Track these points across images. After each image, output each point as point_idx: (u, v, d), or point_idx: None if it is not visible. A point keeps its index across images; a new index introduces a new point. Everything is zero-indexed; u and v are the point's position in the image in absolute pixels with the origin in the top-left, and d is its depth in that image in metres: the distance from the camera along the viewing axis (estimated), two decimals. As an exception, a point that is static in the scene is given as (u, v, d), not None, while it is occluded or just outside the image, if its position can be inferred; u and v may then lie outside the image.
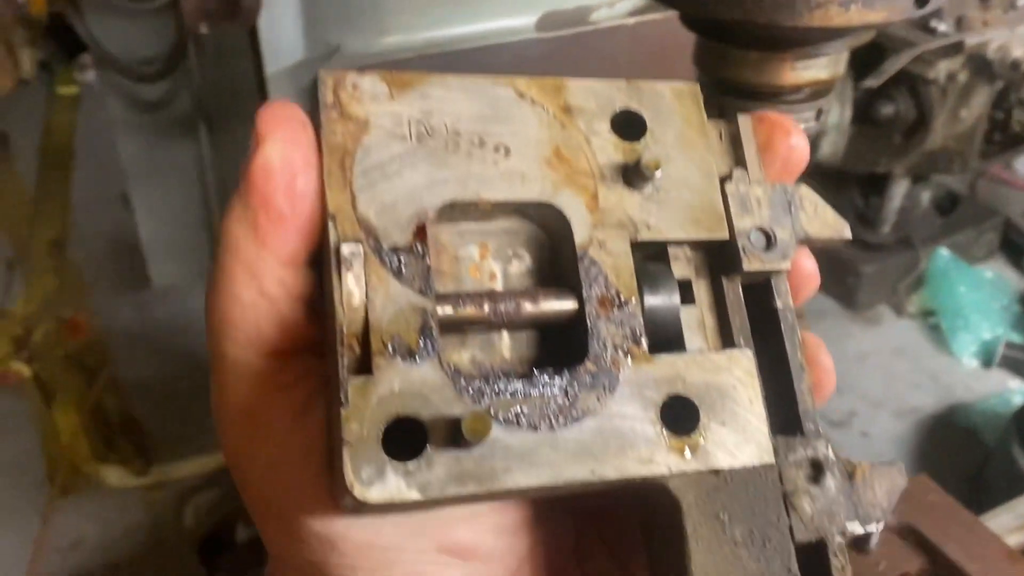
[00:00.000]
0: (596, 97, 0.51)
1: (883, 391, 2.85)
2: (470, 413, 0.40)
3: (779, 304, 0.51)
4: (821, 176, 3.19)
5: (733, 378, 0.47)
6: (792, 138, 0.53)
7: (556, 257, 0.50)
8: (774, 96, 0.94)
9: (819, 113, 0.91)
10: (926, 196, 3.18)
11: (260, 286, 0.45)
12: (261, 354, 0.45)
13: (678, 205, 0.50)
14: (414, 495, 0.40)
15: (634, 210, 0.49)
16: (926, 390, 2.86)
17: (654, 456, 0.44)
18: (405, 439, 0.41)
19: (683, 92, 0.53)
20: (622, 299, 0.47)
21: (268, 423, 0.45)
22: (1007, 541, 1.36)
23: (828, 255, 3.10)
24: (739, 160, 0.53)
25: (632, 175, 0.49)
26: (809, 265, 0.54)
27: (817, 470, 0.48)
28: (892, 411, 2.79)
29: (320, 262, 0.46)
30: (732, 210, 0.50)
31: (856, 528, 0.48)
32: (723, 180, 0.51)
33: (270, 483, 0.45)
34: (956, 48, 2.69)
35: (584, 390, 0.45)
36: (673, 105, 0.52)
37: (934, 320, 3.08)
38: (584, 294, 0.47)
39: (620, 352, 0.46)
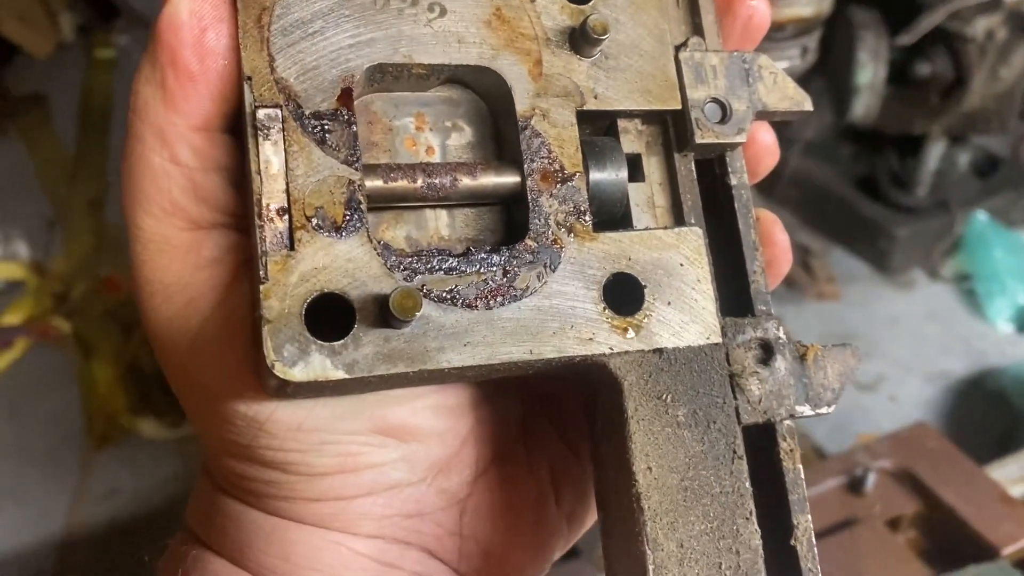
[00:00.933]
0: None
1: (913, 355, 2.81)
2: (399, 289, 0.39)
3: (733, 180, 0.50)
4: (855, 137, 3.14)
5: (681, 256, 0.46)
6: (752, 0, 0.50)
7: (498, 129, 0.48)
8: (760, 35, 0.94)
9: (804, 51, 0.91)
10: (964, 158, 3.11)
11: (171, 152, 0.42)
12: (178, 227, 0.43)
13: (628, 73, 0.47)
14: (339, 374, 0.39)
15: (581, 77, 0.46)
16: (957, 355, 2.82)
17: (595, 335, 0.43)
18: (331, 318, 0.40)
19: None
20: (566, 173, 0.45)
21: (190, 300, 0.43)
22: (1012, 490, 1.36)
23: (862, 217, 3.05)
24: (696, 27, 0.50)
25: (579, 39, 0.46)
26: (767, 138, 0.52)
27: (767, 351, 0.47)
28: (922, 375, 2.75)
29: (238, 128, 0.43)
30: (686, 79, 0.48)
31: (806, 411, 0.47)
32: (678, 48, 0.49)
33: (193, 362, 0.44)
34: (995, 4, 2.62)
35: (524, 268, 0.43)
36: None
37: (969, 285, 3.02)
38: (526, 167, 0.45)
39: (563, 229, 0.44)
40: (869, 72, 2.77)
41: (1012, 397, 2.59)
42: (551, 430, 0.53)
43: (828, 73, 3.00)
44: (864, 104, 2.83)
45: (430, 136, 0.47)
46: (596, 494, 0.48)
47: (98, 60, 3.33)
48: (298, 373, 0.38)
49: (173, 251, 0.43)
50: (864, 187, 3.14)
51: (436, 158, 0.46)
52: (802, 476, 0.46)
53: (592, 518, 0.54)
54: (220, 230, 0.44)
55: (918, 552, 1.33)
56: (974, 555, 1.27)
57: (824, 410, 0.47)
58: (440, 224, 0.46)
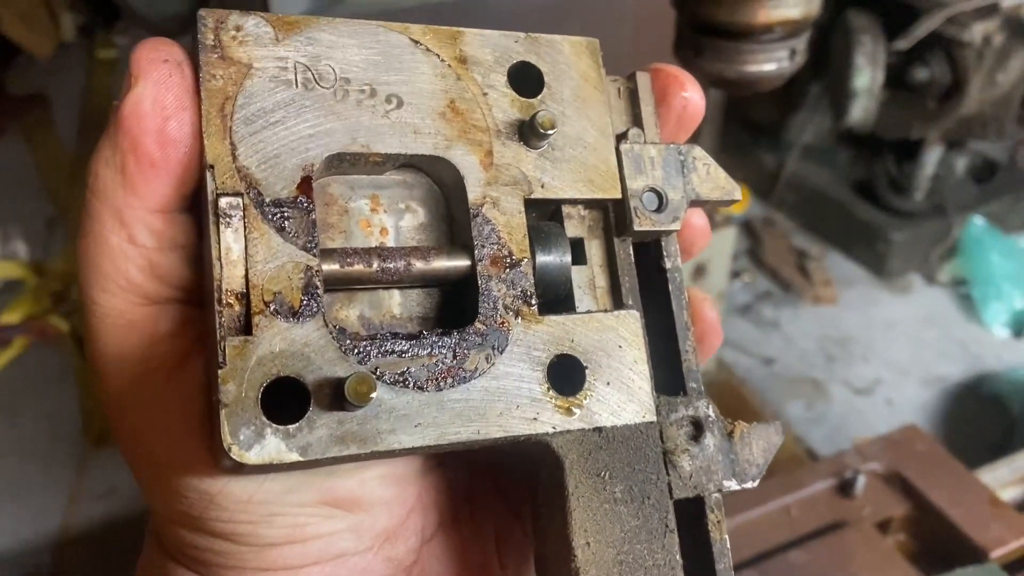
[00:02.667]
0: (493, 48, 0.50)
1: (910, 359, 2.82)
2: (354, 374, 0.40)
3: (668, 264, 0.52)
4: (852, 141, 3.14)
5: (620, 338, 0.48)
6: (686, 91, 0.53)
7: (450, 211, 0.50)
8: (746, 35, 0.95)
9: (792, 53, 0.92)
10: (961, 163, 3.12)
11: (129, 233, 0.43)
12: (134, 303, 0.44)
13: (573, 163, 0.50)
14: (294, 457, 0.40)
15: (529, 167, 0.49)
16: (954, 359, 2.82)
17: (539, 415, 0.45)
18: (287, 400, 0.40)
19: (581, 46, 0.52)
20: (514, 258, 0.47)
21: (144, 374, 0.44)
22: (1003, 494, 1.36)
23: (859, 221, 3.07)
24: (636, 118, 0.53)
25: (528, 133, 0.48)
26: (700, 222, 0.55)
27: (697, 429, 0.49)
28: (918, 379, 2.76)
29: (198, 208, 0.45)
30: (626, 170, 0.50)
31: (732, 485, 0.49)
32: (619, 138, 0.51)
33: (147, 435, 0.44)
34: (991, 9, 2.63)
35: (473, 350, 0.45)
36: (571, 59, 0.51)
37: (965, 289, 3.03)
38: (476, 253, 0.46)
39: (510, 312, 0.46)
40: (867, 76, 2.78)
41: (1008, 401, 2.60)
42: (496, 494, 0.55)
43: (826, 77, 3.01)
44: (862, 108, 2.83)
45: (384, 217, 0.49)
46: (536, 563, 0.50)
47: (99, 60, 3.34)
48: (253, 456, 0.39)
49: (129, 326, 0.44)
50: (861, 191, 3.15)
51: (389, 239, 0.48)
52: (728, 547, 0.49)
53: None
54: (175, 305, 0.45)
55: (907, 555, 1.33)
56: (963, 558, 1.28)
57: (749, 484, 0.50)
58: (392, 303, 0.48)
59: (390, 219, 0.49)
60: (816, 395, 2.66)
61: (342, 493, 0.46)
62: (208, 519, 0.43)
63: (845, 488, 1.35)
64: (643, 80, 0.53)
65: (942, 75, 2.74)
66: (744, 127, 3.37)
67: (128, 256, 0.43)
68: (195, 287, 0.44)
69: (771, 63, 0.97)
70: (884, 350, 2.84)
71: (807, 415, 2.59)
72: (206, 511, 0.43)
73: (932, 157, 2.99)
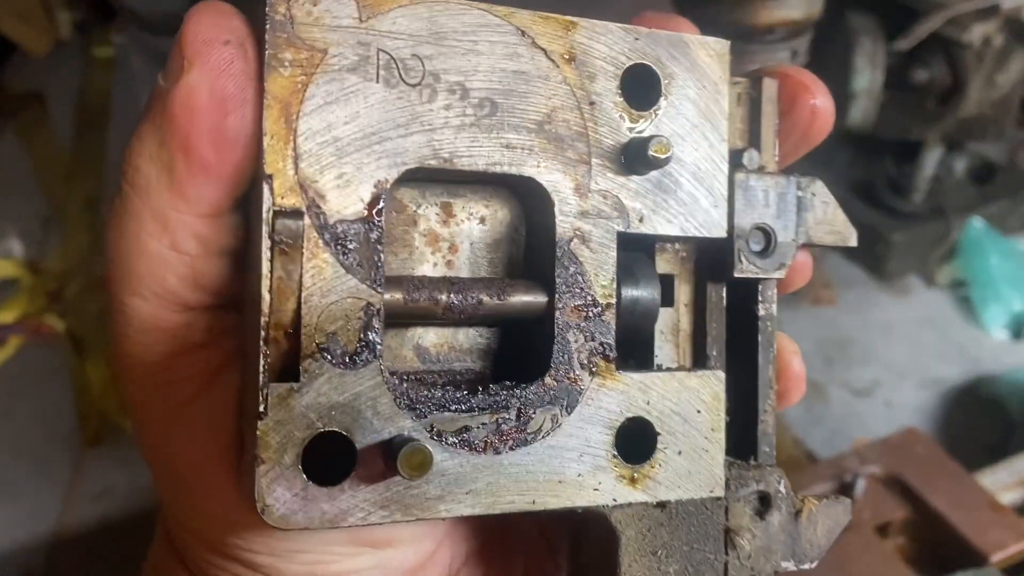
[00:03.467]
0: (608, 45, 0.43)
1: (909, 361, 2.81)
2: (410, 446, 0.36)
3: (761, 311, 0.47)
4: (852, 142, 3.13)
5: (700, 402, 0.44)
6: (816, 98, 0.47)
7: (530, 234, 0.45)
8: (748, 35, 0.94)
9: (794, 54, 0.91)
10: (961, 165, 3.11)
11: (172, 240, 0.38)
12: (167, 310, 0.40)
13: (679, 195, 0.44)
14: (330, 524, 0.36)
15: (629, 197, 0.43)
16: (953, 361, 2.82)
17: (601, 484, 0.41)
18: (331, 454, 0.37)
19: (710, 49, 0.45)
20: (599, 306, 0.42)
21: (173, 384, 0.40)
22: (1002, 497, 1.35)
23: (858, 223, 3.07)
24: (754, 135, 0.47)
25: (635, 157, 0.42)
26: (803, 259, 0.50)
27: (764, 505, 0.46)
28: (917, 381, 2.75)
29: (247, 206, 0.39)
30: (736, 203, 0.45)
31: (790, 567, 0.46)
32: (733, 157, 0.46)
33: (171, 450, 0.41)
34: (992, 11, 2.62)
35: (540, 409, 0.41)
36: (696, 64, 0.45)
37: (964, 291, 3.02)
38: (557, 298, 0.42)
39: (585, 369, 0.42)
40: (866, 78, 2.77)
41: (1006, 404, 2.59)
42: (531, 525, 0.51)
43: (825, 78, 2.99)
44: (861, 109, 2.82)
45: (455, 231, 0.43)
46: None
47: (96, 58, 3.33)
48: (288, 521, 0.36)
49: (160, 332, 0.40)
50: (861, 193, 3.14)
51: (459, 256, 0.43)
52: None
53: None
54: (213, 311, 0.40)
55: (907, 558, 1.33)
56: (962, 561, 1.27)
57: (806, 566, 0.47)
58: (454, 334, 0.43)
59: (462, 232, 0.43)
60: (815, 397, 2.65)
61: (374, 533, 0.43)
62: (227, 545, 0.41)
63: (845, 491, 1.35)
64: (769, 89, 0.47)
65: (942, 76, 2.73)
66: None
67: (168, 263, 0.38)
68: (237, 291, 0.40)
69: (772, 64, 0.97)
70: (883, 352, 2.83)
71: (806, 417, 2.58)
72: (225, 536, 0.41)
73: (931, 158, 2.98)
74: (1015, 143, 3.28)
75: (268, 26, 0.36)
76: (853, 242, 0.50)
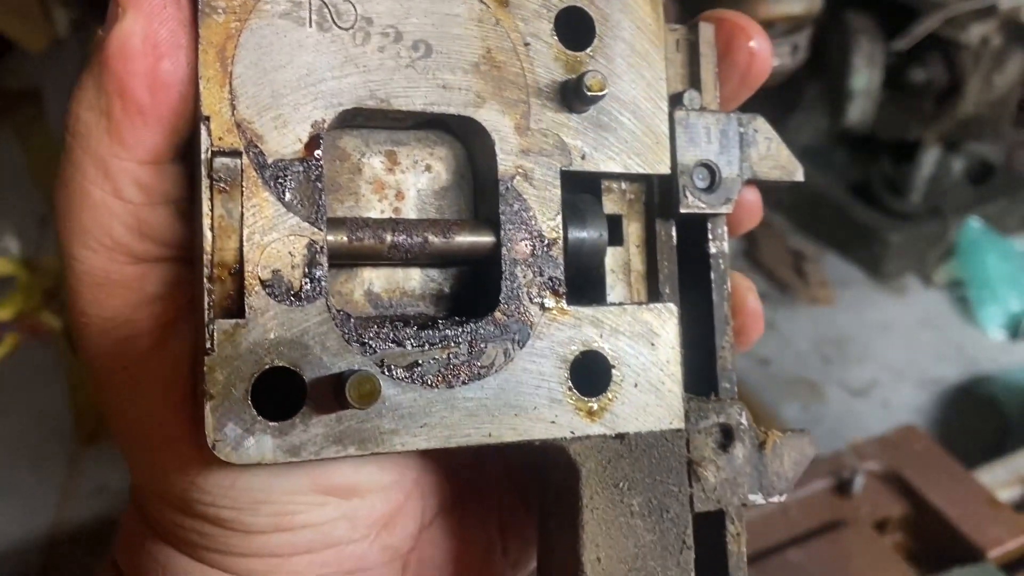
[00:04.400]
0: None
1: (906, 361, 2.81)
2: (357, 374, 0.36)
3: (712, 248, 0.48)
4: (850, 142, 3.14)
5: (653, 335, 0.44)
6: (753, 40, 0.48)
7: (476, 179, 0.45)
8: (749, 30, 0.94)
9: (795, 48, 0.91)
10: (958, 165, 3.11)
11: (114, 187, 0.38)
12: (118, 262, 0.40)
13: (620, 131, 0.44)
14: (283, 458, 0.36)
15: (569, 135, 0.43)
16: (950, 361, 2.82)
17: (557, 417, 0.41)
18: (280, 389, 0.37)
19: (650, 9, 0.46)
20: (545, 240, 0.42)
21: (128, 337, 0.40)
22: (1000, 494, 1.36)
23: (856, 223, 3.05)
24: (694, 77, 0.48)
25: (572, 95, 0.43)
26: (751, 198, 0.50)
27: (727, 437, 0.46)
28: (914, 381, 2.75)
29: (192, 157, 0.39)
30: (678, 140, 0.45)
31: (758, 499, 0.46)
32: (673, 100, 0.46)
33: (128, 406, 0.41)
34: (989, 11, 2.62)
35: (491, 343, 0.41)
36: (628, 5, 0.45)
37: (962, 291, 3.03)
38: (503, 234, 0.42)
39: (535, 303, 0.42)
40: (864, 77, 2.77)
41: (1003, 404, 2.59)
42: (502, 475, 0.51)
43: (823, 78, 3.00)
44: (859, 109, 2.83)
45: (401, 178, 0.43)
46: (539, 565, 0.47)
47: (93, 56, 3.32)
48: (239, 456, 0.36)
49: (112, 285, 0.40)
50: (858, 192, 3.14)
51: (406, 203, 0.43)
52: (744, 560, 0.46)
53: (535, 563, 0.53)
54: (165, 264, 0.40)
55: (905, 554, 1.33)
56: (960, 557, 1.27)
57: (776, 499, 0.47)
58: (404, 278, 0.43)
59: (408, 180, 0.43)
60: (812, 396, 2.66)
61: (337, 480, 0.43)
62: (190, 500, 0.41)
63: (843, 488, 1.35)
64: (706, 32, 0.48)
65: (939, 76, 2.74)
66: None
67: (113, 212, 0.39)
68: (186, 244, 0.40)
69: (773, 59, 0.97)
70: (880, 352, 2.84)
71: (803, 416, 2.58)
72: (187, 492, 0.40)
73: (929, 158, 2.99)
74: (1012, 143, 3.29)
75: None
76: (799, 176, 0.49)
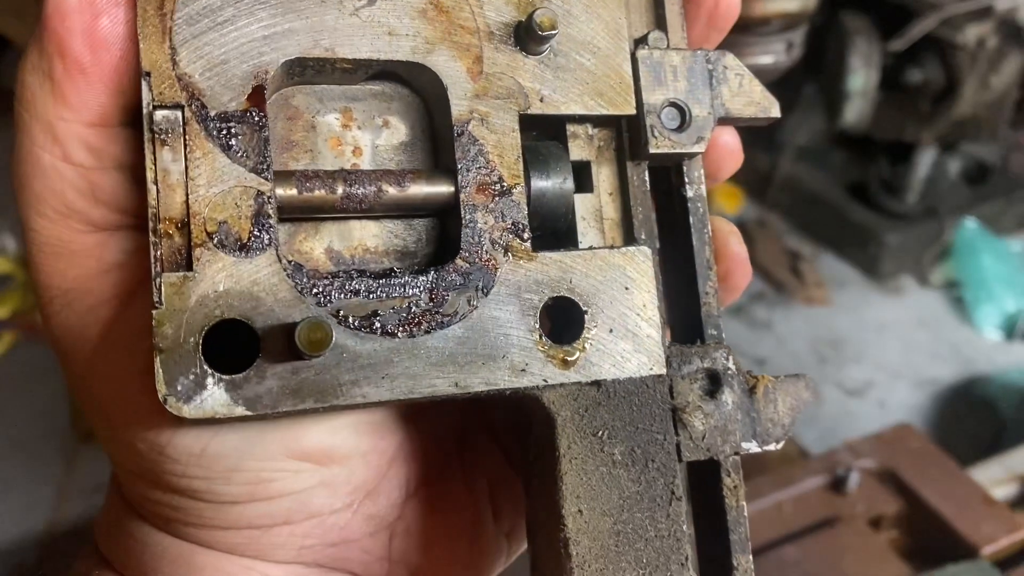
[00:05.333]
0: None
1: (902, 361, 2.82)
2: (306, 320, 0.35)
3: (689, 192, 0.46)
4: (846, 142, 3.15)
5: (627, 278, 0.42)
6: None
7: (434, 128, 0.44)
8: (744, 28, 0.95)
9: (789, 46, 0.91)
10: (954, 166, 3.12)
11: (63, 150, 0.38)
12: (77, 230, 0.39)
13: (580, 73, 0.43)
14: (239, 410, 0.35)
15: (526, 77, 0.42)
16: (946, 361, 2.83)
17: (528, 365, 0.40)
18: (234, 346, 0.36)
19: None
20: (505, 185, 0.41)
21: (90, 307, 0.39)
22: (995, 492, 1.36)
23: (852, 223, 3.06)
24: (659, 20, 0.46)
25: (525, 35, 0.42)
26: (730, 140, 0.48)
27: (714, 383, 0.44)
28: (910, 381, 2.76)
29: (139, 121, 0.39)
30: (643, 81, 0.44)
31: (752, 447, 0.44)
32: (637, 43, 0.44)
33: (93, 375, 0.40)
34: (985, 12, 2.63)
35: (453, 291, 0.39)
36: None
37: (957, 291, 3.03)
38: (460, 179, 0.41)
39: (498, 247, 0.40)
40: (861, 78, 2.78)
41: (999, 404, 2.60)
42: (490, 442, 0.50)
43: (820, 78, 3.01)
44: (856, 110, 2.84)
45: (358, 134, 0.42)
46: (527, 526, 0.45)
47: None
48: (192, 410, 0.35)
49: (71, 255, 0.39)
50: (855, 193, 3.15)
51: (364, 160, 0.42)
52: (745, 514, 0.44)
53: None
54: (125, 231, 0.40)
55: (899, 551, 1.33)
56: (954, 554, 1.28)
57: (772, 446, 0.45)
58: (366, 234, 0.42)
59: (365, 136, 0.42)
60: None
61: (311, 445, 0.41)
62: (161, 472, 0.39)
63: (838, 485, 1.35)
64: None
65: (936, 77, 2.74)
66: (738, 128, 3.37)
67: (64, 176, 0.38)
68: (145, 212, 0.39)
69: (768, 56, 0.97)
70: (876, 352, 2.84)
71: (799, 416, 2.58)
72: (158, 464, 0.39)
73: (925, 159, 2.99)
74: (1009, 144, 3.30)
75: None
76: (775, 112, 0.47)
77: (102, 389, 0.40)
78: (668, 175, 0.47)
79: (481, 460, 0.49)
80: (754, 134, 3.53)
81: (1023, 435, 2.28)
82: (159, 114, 0.36)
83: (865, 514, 1.32)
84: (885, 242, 3.02)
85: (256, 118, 0.38)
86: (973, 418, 2.62)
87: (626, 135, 0.45)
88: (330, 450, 0.42)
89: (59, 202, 0.38)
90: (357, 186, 0.40)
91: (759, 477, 1.41)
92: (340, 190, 0.39)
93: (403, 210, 0.42)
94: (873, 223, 3.05)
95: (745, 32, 0.91)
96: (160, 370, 0.35)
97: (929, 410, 2.68)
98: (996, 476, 1.42)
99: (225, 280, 0.36)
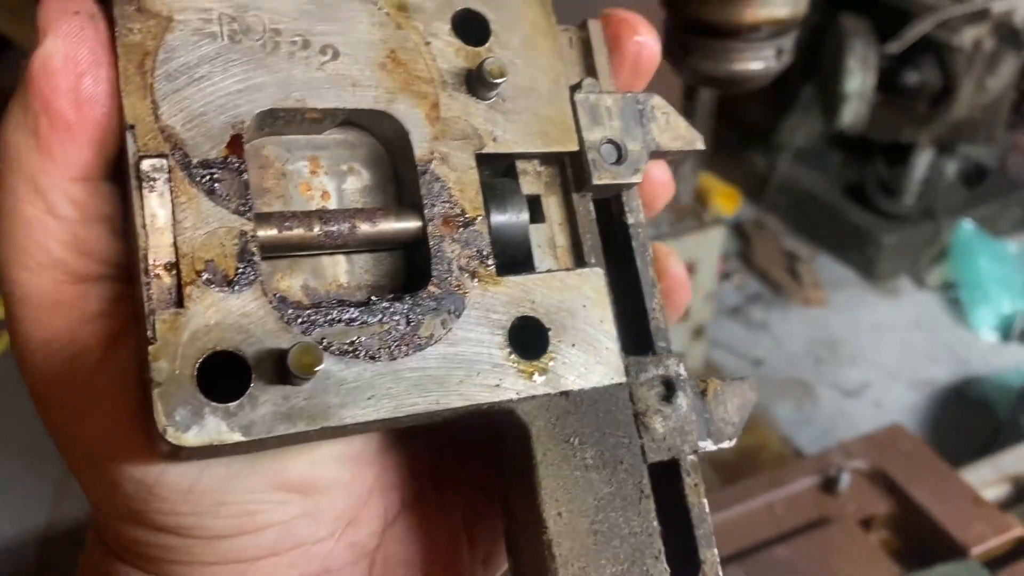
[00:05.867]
0: None
1: (899, 362, 2.83)
2: (297, 344, 0.37)
3: (630, 219, 0.50)
4: (844, 144, 3.16)
5: (584, 297, 0.46)
6: (639, 35, 0.50)
7: (396, 172, 0.47)
8: (734, 34, 0.95)
9: (779, 52, 0.92)
10: (951, 168, 3.13)
11: (47, 204, 0.39)
12: (58, 281, 0.40)
13: (526, 115, 0.47)
14: (236, 437, 0.37)
15: (479, 121, 0.46)
16: (942, 362, 2.84)
17: (502, 381, 0.42)
18: (226, 378, 0.37)
19: (540, 10, 0.49)
20: (467, 217, 0.44)
21: (74, 356, 0.40)
22: (986, 493, 1.37)
23: (849, 224, 3.07)
24: (590, 69, 0.51)
25: (476, 83, 0.46)
26: (662, 175, 0.52)
27: (669, 388, 0.47)
28: (907, 382, 2.77)
29: (122, 175, 0.41)
30: (581, 121, 0.48)
31: (708, 445, 0.47)
32: (573, 89, 0.49)
33: (78, 421, 0.40)
34: (982, 15, 2.64)
35: (428, 315, 0.42)
36: (519, 7, 0.49)
37: (954, 293, 3.05)
38: (426, 212, 0.44)
39: (466, 274, 0.43)
40: (858, 80, 2.79)
41: (994, 405, 2.61)
42: (462, 471, 0.52)
43: (818, 80, 3.02)
44: (853, 111, 2.85)
45: (325, 180, 0.45)
46: (506, 540, 0.47)
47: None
48: (191, 438, 0.36)
49: (55, 306, 0.40)
50: (852, 194, 3.16)
51: (332, 203, 0.45)
52: (707, 511, 0.46)
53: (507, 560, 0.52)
54: (105, 282, 0.41)
55: (890, 551, 1.34)
56: (944, 554, 1.28)
57: (725, 444, 0.48)
58: (339, 271, 0.45)
59: (332, 182, 0.45)
60: (804, 397, 2.67)
61: (294, 476, 0.43)
62: (149, 512, 0.40)
63: (829, 485, 1.36)
64: (595, 28, 0.51)
65: (933, 79, 2.76)
66: (736, 129, 3.38)
67: (48, 229, 0.39)
68: (123, 261, 0.41)
69: (758, 62, 0.98)
70: (873, 353, 2.85)
71: (795, 417, 2.60)
72: (145, 503, 0.40)
73: (922, 161, 3.01)
74: (1005, 146, 3.31)
75: (114, 0, 0.40)
76: (700, 145, 0.52)
77: (88, 434, 0.40)
78: (609, 206, 0.51)
79: (454, 489, 0.51)
80: (752, 136, 3.54)
81: (1019, 436, 2.29)
82: (145, 163, 0.39)
83: (856, 514, 1.33)
84: (882, 243, 3.04)
85: (236, 164, 0.40)
86: (969, 419, 2.63)
87: (570, 170, 0.49)
88: (313, 481, 0.44)
89: (43, 253, 0.40)
90: (332, 223, 0.43)
91: (751, 478, 1.42)
92: (317, 228, 0.42)
93: (375, 245, 0.45)
94: (870, 224, 3.06)
95: (735, 38, 0.92)
96: (158, 403, 0.36)
97: (925, 411, 2.69)
98: (987, 477, 1.42)
99: (215, 315, 0.38)
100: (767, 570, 1.26)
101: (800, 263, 3.10)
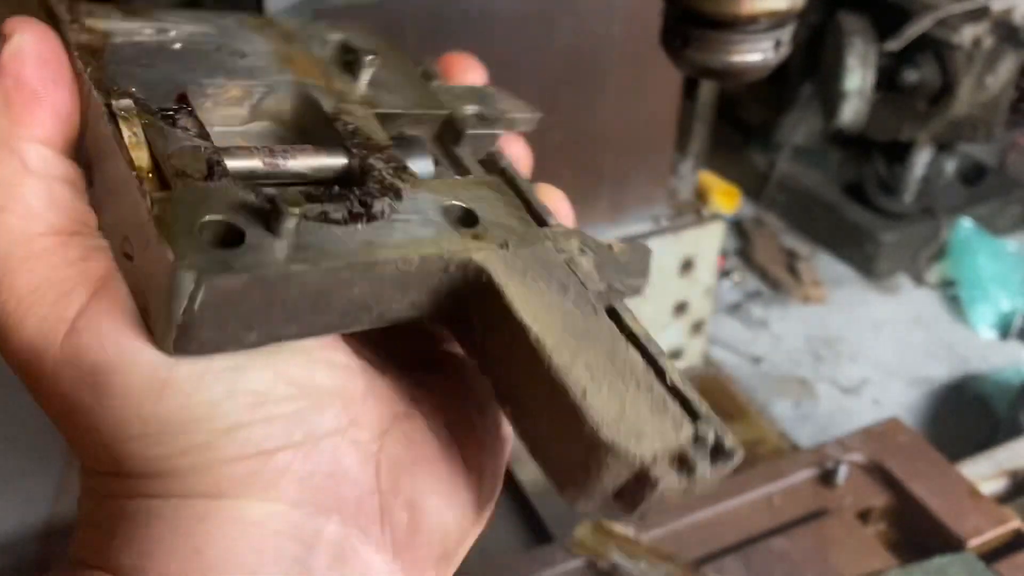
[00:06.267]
0: (310, 30, 0.59)
1: (897, 360, 2.83)
2: (280, 191, 0.43)
3: (504, 163, 0.60)
4: (843, 142, 3.16)
5: (496, 195, 0.55)
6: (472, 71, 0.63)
7: (308, 133, 0.56)
8: (732, 26, 0.96)
9: (777, 44, 0.92)
10: (951, 165, 3.14)
11: (21, 161, 0.45)
12: (38, 232, 0.44)
13: (399, 92, 0.58)
14: (264, 269, 0.41)
15: (363, 92, 0.57)
16: (941, 360, 2.84)
17: (452, 242, 0.49)
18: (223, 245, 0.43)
19: (389, 46, 0.62)
20: (383, 145, 0.53)
21: (63, 294, 0.43)
22: (984, 487, 1.37)
23: (849, 222, 3.07)
24: (429, 72, 0.63)
25: (353, 66, 0.57)
26: (520, 150, 0.63)
27: (586, 244, 0.54)
28: (905, 380, 2.77)
29: (87, 161, 0.48)
30: (443, 99, 0.60)
31: (627, 288, 0.55)
32: (425, 81, 0.61)
33: (76, 348, 0.42)
34: (981, 13, 2.65)
35: (376, 200, 0.48)
36: (381, 47, 0.61)
37: (953, 291, 3.05)
38: (347, 143, 0.52)
39: (396, 179, 0.51)
40: (858, 77, 2.80)
41: (993, 403, 2.62)
42: (449, 374, 0.56)
43: (817, 78, 3.02)
44: (852, 109, 2.85)
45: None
46: (497, 395, 0.50)
47: None
48: (218, 279, 0.39)
49: (37, 255, 0.44)
50: (851, 192, 3.16)
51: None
52: (651, 335, 0.51)
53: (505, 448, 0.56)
54: (82, 236, 0.45)
55: (887, 543, 1.35)
56: (941, 547, 1.29)
57: (641, 282, 0.57)
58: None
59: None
60: (803, 394, 2.68)
61: (294, 372, 0.45)
62: (165, 409, 0.42)
63: (827, 478, 1.36)
64: (432, 66, 0.64)
65: (932, 77, 2.76)
66: (735, 127, 3.38)
67: (25, 184, 0.45)
68: (93, 223, 0.46)
69: (756, 53, 0.98)
70: (872, 350, 2.86)
71: (794, 414, 2.60)
72: (160, 400, 0.42)
73: (922, 159, 3.01)
74: (1005, 144, 3.31)
75: (61, 22, 0.48)
76: (537, 113, 0.63)
77: (88, 357, 0.42)
78: (485, 167, 0.61)
79: (443, 393, 0.54)
80: (751, 134, 3.54)
81: (1017, 433, 2.29)
82: (115, 104, 0.45)
83: (854, 507, 1.33)
84: (881, 241, 3.04)
85: (188, 109, 0.48)
86: (968, 416, 2.64)
87: (446, 131, 0.61)
88: (311, 378, 0.46)
89: (20, 204, 0.44)
90: (279, 157, 0.50)
91: (750, 470, 1.43)
92: (265, 159, 0.49)
93: (314, 174, 0.52)
94: (869, 222, 3.06)
95: (733, 30, 0.92)
96: (169, 250, 0.39)
97: (924, 408, 2.69)
98: (985, 471, 1.43)
99: (200, 195, 0.43)
100: (765, 561, 1.27)
101: (799, 261, 3.10)
